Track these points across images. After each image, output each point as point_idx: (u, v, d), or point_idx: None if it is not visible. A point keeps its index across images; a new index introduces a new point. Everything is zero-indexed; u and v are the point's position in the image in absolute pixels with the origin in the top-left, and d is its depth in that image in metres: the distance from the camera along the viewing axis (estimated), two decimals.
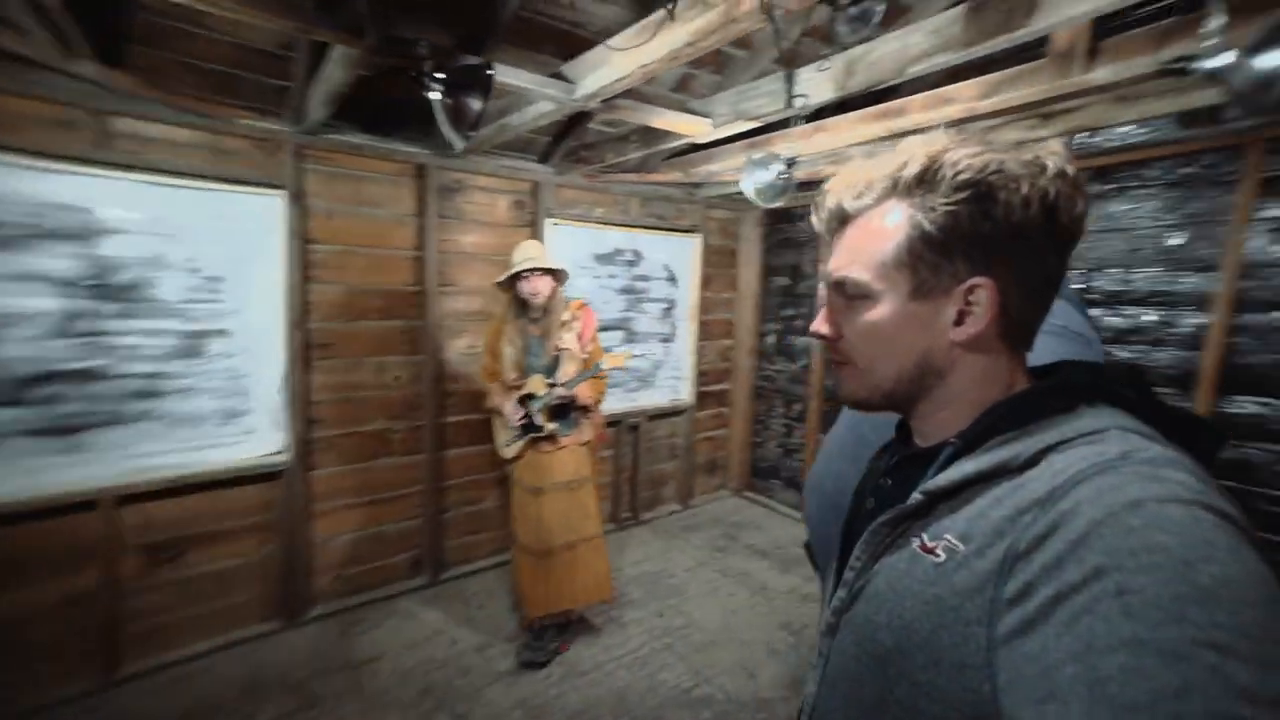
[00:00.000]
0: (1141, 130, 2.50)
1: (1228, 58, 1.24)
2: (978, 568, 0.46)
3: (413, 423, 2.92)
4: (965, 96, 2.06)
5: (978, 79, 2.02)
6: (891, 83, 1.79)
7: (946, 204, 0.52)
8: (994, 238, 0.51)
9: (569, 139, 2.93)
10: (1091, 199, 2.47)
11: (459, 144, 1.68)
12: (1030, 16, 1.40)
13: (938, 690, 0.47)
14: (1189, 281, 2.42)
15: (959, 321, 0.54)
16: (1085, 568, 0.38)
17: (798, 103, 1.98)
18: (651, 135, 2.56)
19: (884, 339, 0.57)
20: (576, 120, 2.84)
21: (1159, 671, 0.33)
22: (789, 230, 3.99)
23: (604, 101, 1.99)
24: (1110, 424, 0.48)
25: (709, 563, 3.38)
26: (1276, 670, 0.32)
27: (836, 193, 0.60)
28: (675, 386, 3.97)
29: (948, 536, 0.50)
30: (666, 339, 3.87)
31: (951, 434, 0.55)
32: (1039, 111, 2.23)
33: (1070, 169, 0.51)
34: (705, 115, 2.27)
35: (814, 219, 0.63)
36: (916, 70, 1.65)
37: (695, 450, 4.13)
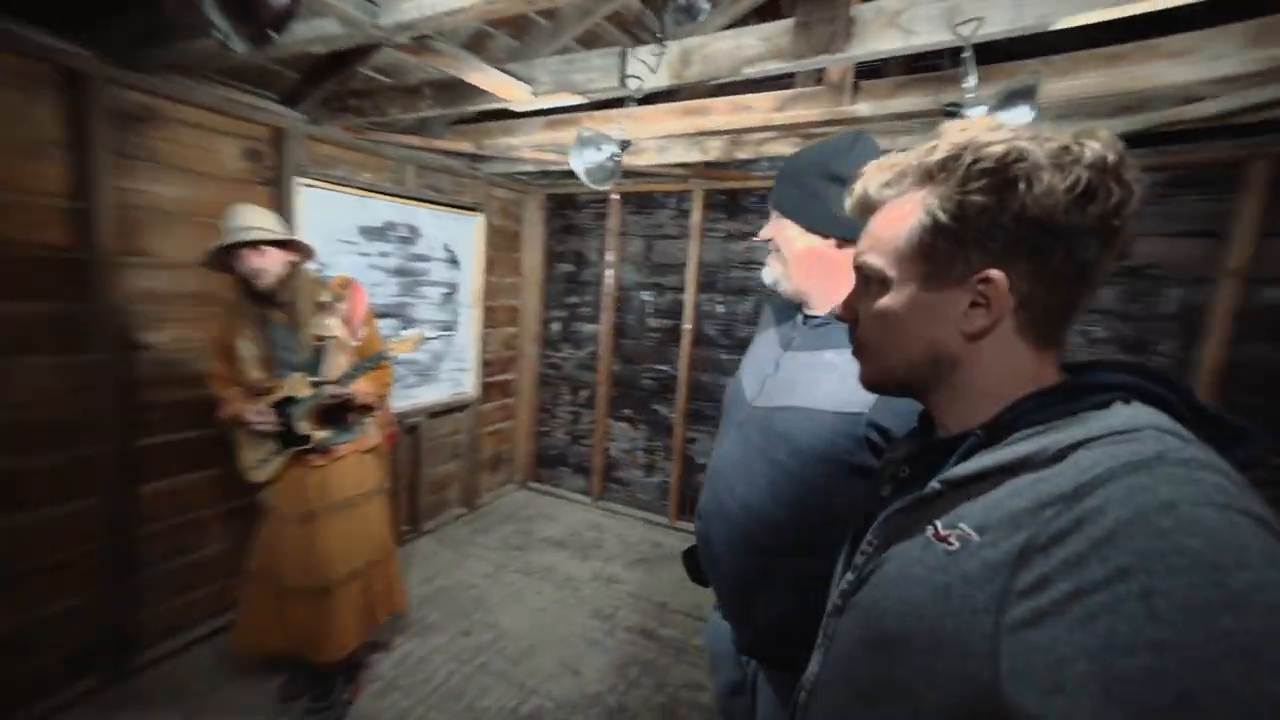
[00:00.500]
0: None
1: (980, 110, 1.47)
2: (990, 557, 0.44)
3: (73, 453, 1.89)
4: (763, 107, 2.01)
5: (774, 93, 2.00)
6: (726, 79, 1.69)
7: (960, 192, 0.50)
8: (1012, 228, 0.49)
9: (330, 80, 2.14)
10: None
11: (239, 46, 0.99)
12: (848, 43, 1.46)
13: (938, 675, 0.46)
14: None
15: (973, 312, 0.52)
16: (1109, 566, 0.36)
17: (631, 84, 1.67)
18: (451, 93, 1.98)
19: (894, 326, 0.56)
20: (345, 58, 2.08)
21: (1184, 677, 0.32)
22: (573, 216, 3.81)
23: (416, 39, 1.42)
24: (1146, 423, 0.44)
25: (508, 564, 3.03)
26: None
27: (866, 180, 0.58)
28: (458, 379, 3.45)
29: (962, 526, 0.48)
30: (448, 327, 3.25)
31: (973, 425, 0.53)
32: (821, 132, 2.28)
33: (1112, 157, 0.47)
34: (525, 81, 1.80)
35: (849, 209, 0.62)
36: (750, 72, 1.63)
37: (480, 446, 3.70)
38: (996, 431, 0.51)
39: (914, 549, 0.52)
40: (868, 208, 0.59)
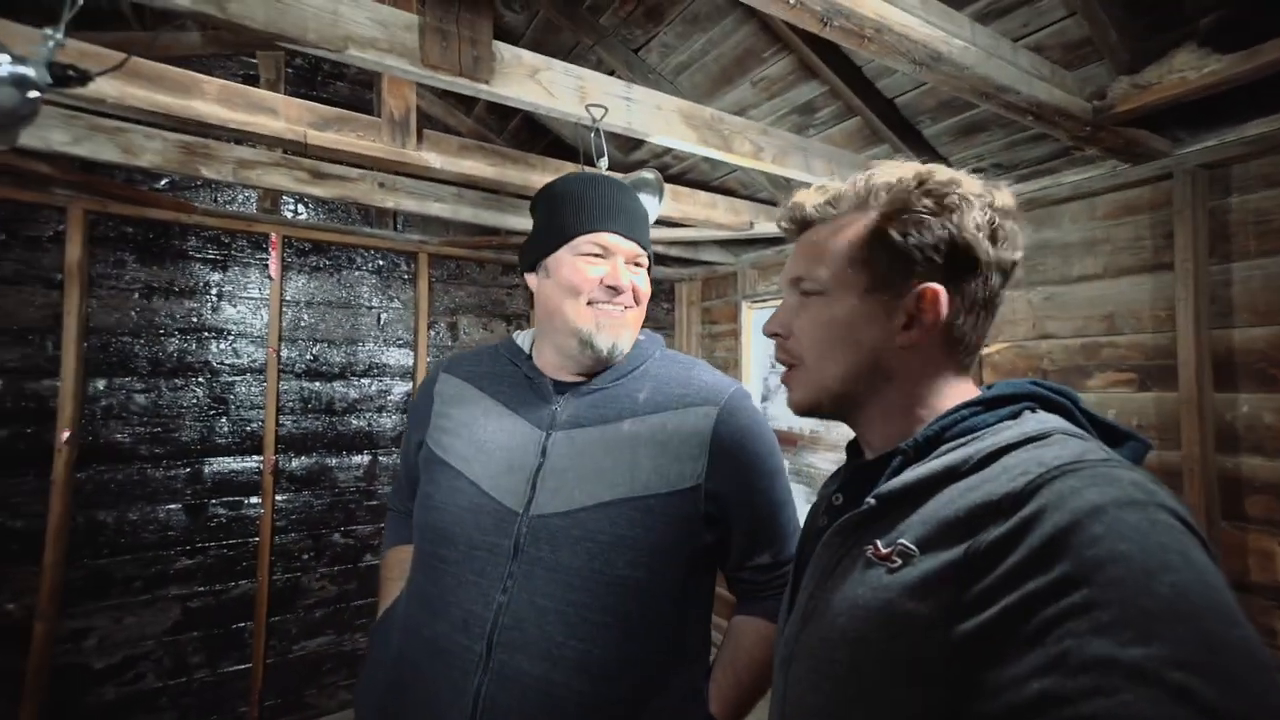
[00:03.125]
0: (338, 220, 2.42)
1: None
2: (931, 569, 0.43)
3: None
4: (293, 115, 1.39)
5: (311, 103, 1.43)
6: (310, 50, 1.06)
7: (908, 211, 0.52)
8: (947, 251, 0.52)
9: None
10: (311, 271, 2.29)
11: None
12: (493, 78, 1.19)
13: (899, 705, 0.43)
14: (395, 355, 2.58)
15: (907, 326, 0.53)
16: (1053, 577, 0.36)
17: None
18: None
19: (836, 333, 0.55)
20: None
21: (1128, 695, 0.32)
22: None
23: None
24: (1054, 428, 0.47)
25: None
26: (1237, 684, 0.32)
27: (802, 199, 0.59)
28: None
29: (902, 541, 0.46)
30: None
31: (897, 443, 0.53)
32: (378, 179, 1.77)
33: (1013, 206, 0.54)
34: None
35: (780, 224, 0.62)
36: (360, 57, 1.08)
37: None
38: (923, 444, 0.51)
39: (855, 572, 0.49)
40: (803, 224, 0.59)
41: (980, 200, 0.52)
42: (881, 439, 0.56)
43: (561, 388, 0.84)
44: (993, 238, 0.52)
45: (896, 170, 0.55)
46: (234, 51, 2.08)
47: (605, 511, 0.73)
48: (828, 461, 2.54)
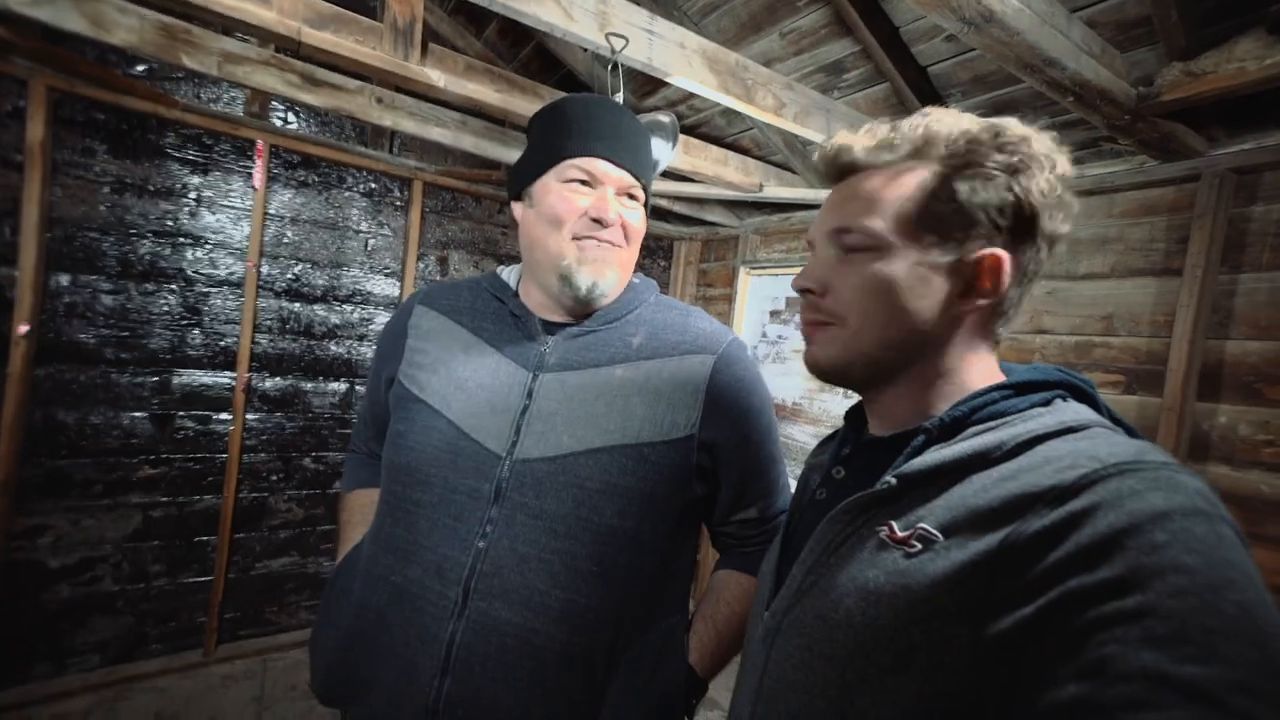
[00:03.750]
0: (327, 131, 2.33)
1: None
2: (959, 559, 0.41)
3: None
4: (286, 7, 1.31)
5: None
6: None
7: (979, 167, 0.48)
8: (1012, 213, 0.48)
9: None
10: (299, 186, 2.19)
11: None
12: None
13: (906, 695, 0.41)
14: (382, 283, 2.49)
15: (965, 294, 0.50)
16: (1103, 577, 0.34)
17: None
18: None
19: (886, 296, 0.50)
20: None
21: (1180, 713, 0.30)
22: None
23: None
24: (1091, 420, 0.45)
25: None
26: None
27: (850, 141, 0.53)
28: None
29: (923, 525, 0.44)
30: None
31: (918, 420, 0.51)
32: (376, 93, 1.66)
33: (1071, 174, 0.50)
34: None
35: (817, 164, 0.56)
36: None
37: None
38: (951, 425, 0.48)
39: (865, 553, 0.47)
40: (846, 169, 0.54)
41: (1049, 163, 0.48)
42: (903, 414, 0.53)
43: (550, 328, 0.79)
44: (1055, 206, 0.49)
45: (959, 120, 0.50)
46: None
47: (595, 458, 0.70)
48: (807, 435, 2.56)
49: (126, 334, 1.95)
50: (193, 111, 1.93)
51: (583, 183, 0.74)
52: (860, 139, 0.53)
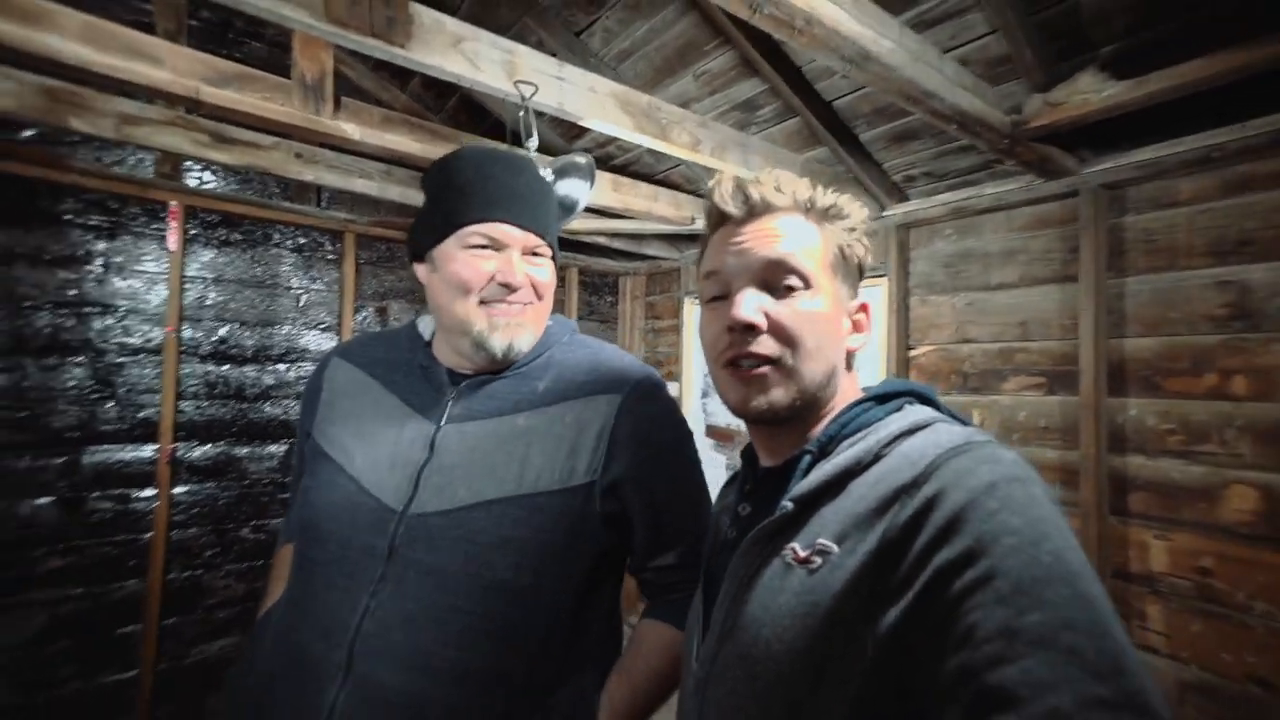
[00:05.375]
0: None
1: (545, 175, 1.42)
2: (850, 565, 0.43)
3: None
4: (182, 67, 1.25)
5: (206, 55, 1.29)
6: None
7: (851, 235, 0.57)
8: (859, 268, 0.59)
9: None
10: (220, 245, 2.12)
11: None
12: (409, 42, 1.07)
13: (828, 709, 0.42)
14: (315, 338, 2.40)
15: (852, 333, 0.57)
16: (959, 550, 0.39)
17: None
18: None
19: (822, 331, 0.54)
20: None
21: (1029, 660, 0.34)
22: None
23: None
24: (933, 417, 0.51)
25: None
26: (1107, 636, 0.35)
27: (763, 183, 0.56)
28: None
29: (821, 540, 0.46)
30: None
31: (802, 445, 0.54)
32: (294, 148, 1.62)
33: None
34: None
35: (723, 197, 0.57)
36: (260, 4, 0.92)
37: None
38: (827, 442, 0.52)
39: (774, 579, 0.48)
40: (759, 209, 0.56)
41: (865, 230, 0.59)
42: (793, 442, 0.55)
43: (457, 378, 0.77)
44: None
45: (805, 183, 0.57)
46: None
47: (488, 510, 0.67)
48: None
49: (24, 413, 1.78)
50: (91, 175, 1.83)
51: (486, 247, 0.72)
52: (767, 186, 0.56)
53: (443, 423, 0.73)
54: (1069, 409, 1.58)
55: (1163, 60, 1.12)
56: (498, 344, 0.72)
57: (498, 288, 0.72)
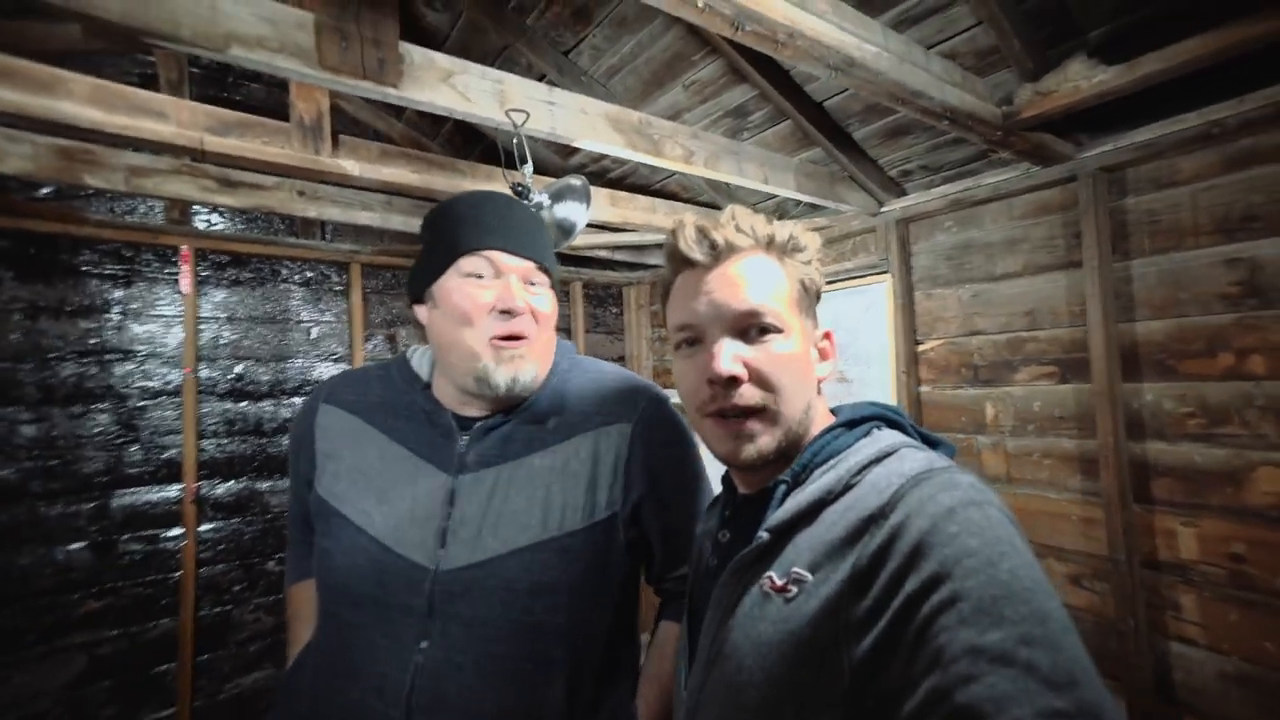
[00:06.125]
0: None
1: (541, 200, 1.40)
2: (824, 593, 0.45)
3: None
4: (185, 119, 1.29)
5: (208, 105, 1.33)
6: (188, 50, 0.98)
7: (809, 266, 0.58)
8: (817, 295, 0.60)
9: None
10: (231, 285, 2.20)
11: None
12: (401, 80, 1.09)
13: None
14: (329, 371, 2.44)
15: (820, 362, 0.59)
16: (924, 576, 0.40)
17: None
18: None
19: (798, 371, 0.55)
20: None
21: (992, 677, 0.35)
22: None
23: None
24: (899, 443, 0.52)
25: None
26: (1062, 649, 0.36)
27: (727, 226, 0.57)
28: None
29: (796, 569, 0.47)
30: None
31: (777, 473, 0.55)
32: (297, 186, 1.65)
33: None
34: None
35: (688, 244, 0.57)
36: (243, 56, 0.96)
37: None
38: (800, 471, 0.53)
39: (753, 608, 0.49)
40: (721, 256, 0.56)
41: (818, 255, 0.60)
42: (770, 471, 0.56)
43: (465, 423, 0.77)
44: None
45: (763, 220, 0.58)
46: (124, 50, 1.90)
47: (520, 557, 0.69)
48: None
49: (55, 462, 1.84)
50: (106, 226, 1.89)
51: (484, 276, 0.73)
52: (728, 229, 0.56)
53: (458, 473, 0.74)
54: (1083, 397, 1.56)
55: (1154, 42, 1.11)
56: (502, 378, 0.72)
57: (498, 315, 0.72)
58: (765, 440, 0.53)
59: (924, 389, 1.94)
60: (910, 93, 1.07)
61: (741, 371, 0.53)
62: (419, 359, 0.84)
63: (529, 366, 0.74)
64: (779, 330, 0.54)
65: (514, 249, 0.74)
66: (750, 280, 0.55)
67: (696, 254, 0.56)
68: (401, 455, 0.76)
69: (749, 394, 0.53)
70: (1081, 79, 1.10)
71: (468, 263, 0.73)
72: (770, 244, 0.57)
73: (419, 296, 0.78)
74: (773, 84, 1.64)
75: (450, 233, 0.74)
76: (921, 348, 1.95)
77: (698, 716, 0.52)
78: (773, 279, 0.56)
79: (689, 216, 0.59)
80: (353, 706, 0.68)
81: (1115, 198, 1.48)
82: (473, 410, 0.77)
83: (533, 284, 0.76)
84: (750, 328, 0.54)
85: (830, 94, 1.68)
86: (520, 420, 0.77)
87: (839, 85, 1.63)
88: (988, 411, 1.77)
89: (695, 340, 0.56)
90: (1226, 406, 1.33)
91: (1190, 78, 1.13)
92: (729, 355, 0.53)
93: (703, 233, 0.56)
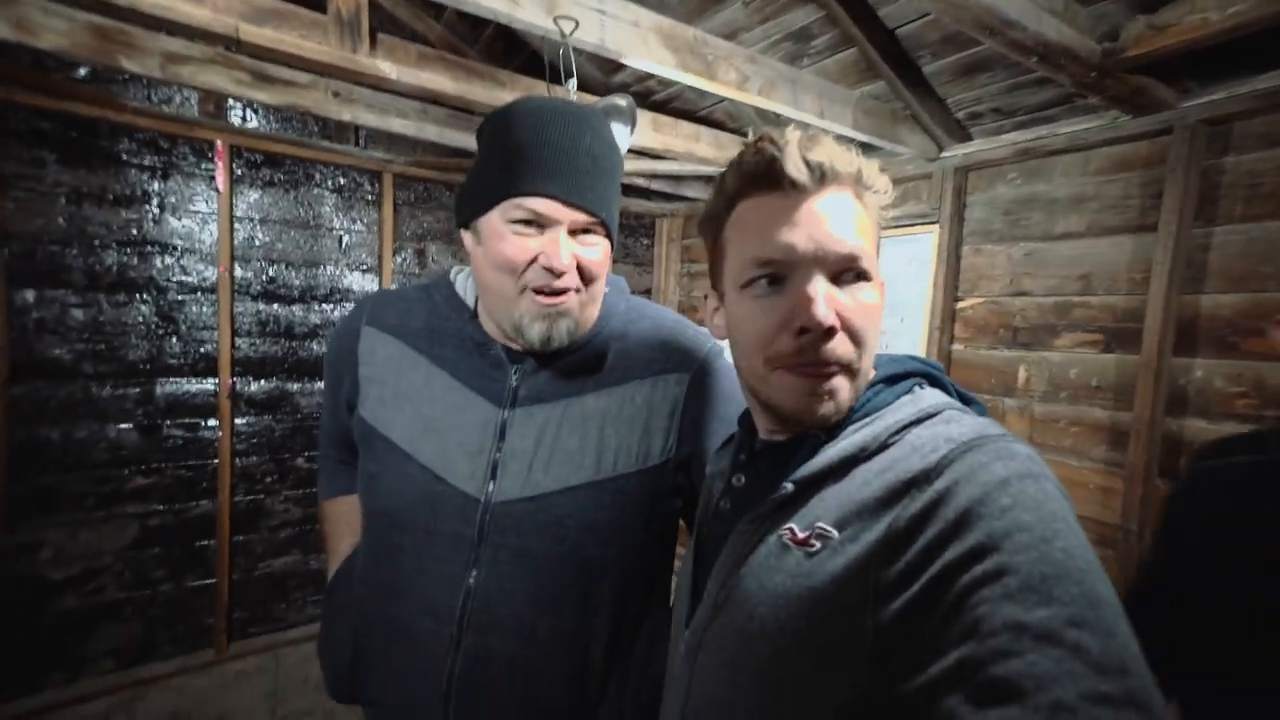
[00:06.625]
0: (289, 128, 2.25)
1: None
2: (853, 552, 0.43)
3: None
4: (221, 3, 1.27)
5: None
6: None
7: (884, 203, 0.52)
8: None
9: None
10: (265, 186, 2.19)
11: None
12: None
13: (824, 692, 0.42)
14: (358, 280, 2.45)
15: None
16: (969, 545, 0.38)
17: None
18: None
19: (879, 323, 0.51)
20: None
21: (1034, 655, 0.34)
22: None
23: None
24: (944, 404, 0.49)
25: None
26: (1113, 635, 0.35)
27: (827, 151, 0.49)
28: None
29: (820, 524, 0.46)
30: None
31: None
32: (332, 86, 1.60)
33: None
34: None
35: (795, 163, 0.48)
36: None
37: None
38: (833, 427, 0.50)
39: (770, 558, 0.48)
40: (823, 182, 0.49)
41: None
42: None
43: (516, 356, 0.75)
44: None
45: (851, 150, 0.51)
46: None
47: (573, 496, 0.70)
48: None
49: (103, 346, 1.92)
50: (144, 114, 1.86)
51: (531, 222, 0.66)
52: (836, 151, 0.49)
53: (510, 406, 0.73)
54: (1125, 368, 1.51)
55: None
56: (536, 334, 0.69)
57: (541, 271, 0.67)
58: (845, 397, 0.49)
59: (956, 347, 1.89)
60: (1002, 21, 0.96)
61: (837, 321, 0.47)
62: (463, 283, 0.81)
63: (565, 323, 0.70)
64: (869, 278, 0.49)
65: (568, 197, 0.66)
66: (851, 217, 0.49)
67: (801, 174, 0.48)
68: (450, 385, 0.75)
69: (842, 346, 0.48)
70: (1214, 9, 0.95)
71: (516, 207, 0.66)
72: (858, 178, 0.50)
73: (465, 223, 0.73)
74: (842, 4, 1.50)
75: (507, 160, 0.67)
76: (961, 304, 1.89)
77: (700, 656, 0.52)
78: (864, 218, 0.50)
79: (773, 131, 0.51)
80: (405, 623, 0.72)
81: (1214, 156, 1.35)
82: (520, 345, 0.74)
83: (586, 232, 0.69)
84: (847, 271, 0.48)
85: (906, 20, 1.53)
86: (575, 359, 0.74)
87: (916, 10, 1.48)
88: (1020, 375, 1.73)
89: (778, 278, 0.49)
90: None
91: None
92: (826, 301, 0.47)
93: (804, 150, 0.48)
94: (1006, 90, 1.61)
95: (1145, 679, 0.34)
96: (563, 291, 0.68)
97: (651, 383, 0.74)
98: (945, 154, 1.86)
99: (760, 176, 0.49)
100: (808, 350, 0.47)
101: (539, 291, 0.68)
